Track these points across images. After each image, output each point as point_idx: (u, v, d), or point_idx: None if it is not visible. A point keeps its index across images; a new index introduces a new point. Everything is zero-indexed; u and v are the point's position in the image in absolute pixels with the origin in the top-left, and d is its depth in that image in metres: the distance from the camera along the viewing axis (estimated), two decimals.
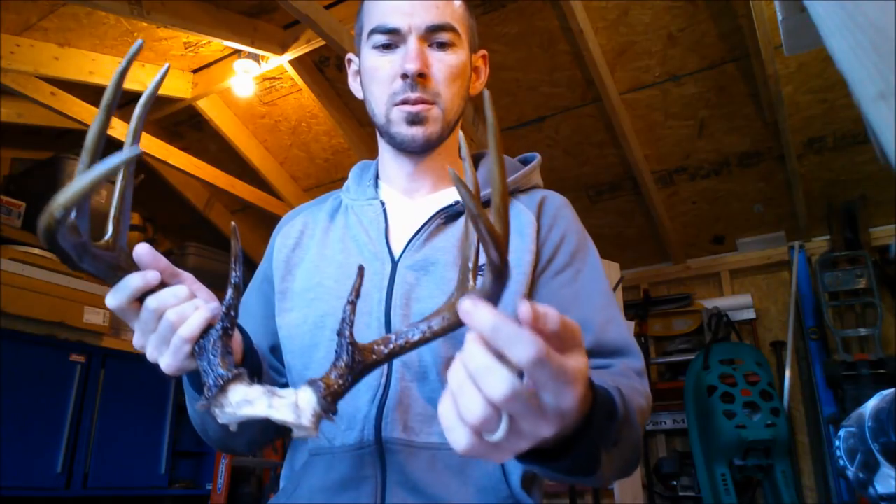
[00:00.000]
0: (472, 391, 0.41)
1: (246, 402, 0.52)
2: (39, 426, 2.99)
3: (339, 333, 0.52)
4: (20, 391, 2.91)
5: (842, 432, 0.80)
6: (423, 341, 0.50)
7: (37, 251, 3.15)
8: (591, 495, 3.16)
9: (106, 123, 0.52)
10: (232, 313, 0.58)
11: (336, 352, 0.51)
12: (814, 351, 3.15)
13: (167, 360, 0.59)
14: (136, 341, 0.61)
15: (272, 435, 0.88)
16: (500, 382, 0.39)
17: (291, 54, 2.72)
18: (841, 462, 0.79)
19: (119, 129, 3.10)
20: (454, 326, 0.50)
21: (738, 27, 2.57)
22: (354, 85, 0.92)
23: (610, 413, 0.56)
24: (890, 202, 3.18)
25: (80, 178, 0.43)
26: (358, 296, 0.52)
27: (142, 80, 2.87)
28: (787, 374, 3.24)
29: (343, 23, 2.44)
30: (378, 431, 0.73)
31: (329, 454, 0.75)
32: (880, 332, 2.98)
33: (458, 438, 0.42)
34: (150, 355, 0.60)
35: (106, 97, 0.53)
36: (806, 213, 3.28)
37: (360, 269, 0.54)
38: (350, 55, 0.93)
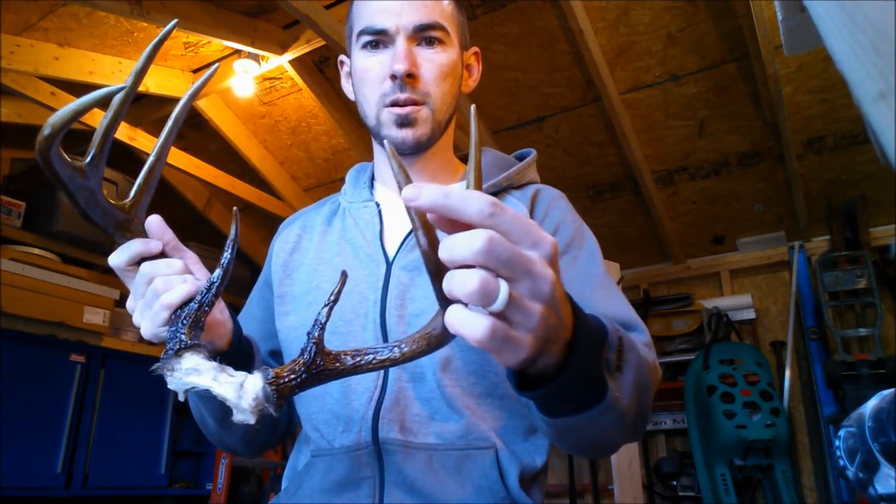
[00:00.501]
0: (461, 270, 0.40)
1: (195, 370, 0.52)
2: (39, 426, 2.99)
3: (308, 333, 0.51)
4: (20, 391, 2.92)
5: (842, 432, 0.80)
6: (391, 362, 0.49)
7: (37, 251, 3.15)
8: (590, 495, 3.16)
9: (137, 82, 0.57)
10: (213, 290, 0.59)
11: (301, 349, 0.51)
12: (814, 351, 3.15)
13: (147, 323, 0.62)
14: (129, 303, 0.65)
15: (269, 436, 0.88)
16: (475, 237, 0.39)
17: (291, 54, 2.72)
18: (841, 462, 0.79)
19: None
20: (425, 351, 0.49)
21: (738, 27, 2.57)
22: (347, 86, 0.92)
23: (601, 334, 0.55)
24: (890, 202, 3.18)
25: (73, 104, 0.47)
26: (336, 300, 0.51)
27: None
28: (787, 374, 3.24)
29: (343, 23, 2.44)
30: (375, 432, 0.73)
31: (329, 455, 0.75)
32: (880, 332, 2.98)
33: (476, 326, 0.40)
34: (135, 319, 0.64)
35: (139, 63, 0.58)
36: (806, 213, 3.28)
37: (343, 276, 0.52)
38: (342, 56, 0.93)
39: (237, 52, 2.82)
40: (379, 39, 0.81)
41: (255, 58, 2.77)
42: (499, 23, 2.68)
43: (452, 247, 0.40)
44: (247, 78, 2.85)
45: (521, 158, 0.92)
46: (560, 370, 0.49)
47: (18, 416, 2.88)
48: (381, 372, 0.75)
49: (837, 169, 3.09)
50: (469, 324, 0.41)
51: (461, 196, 0.40)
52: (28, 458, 2.90)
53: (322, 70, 3.05)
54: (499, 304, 0.40)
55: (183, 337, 0.55)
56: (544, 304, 0.42)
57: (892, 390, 0.76)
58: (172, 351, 0.54)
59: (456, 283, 0.40)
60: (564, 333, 0.47)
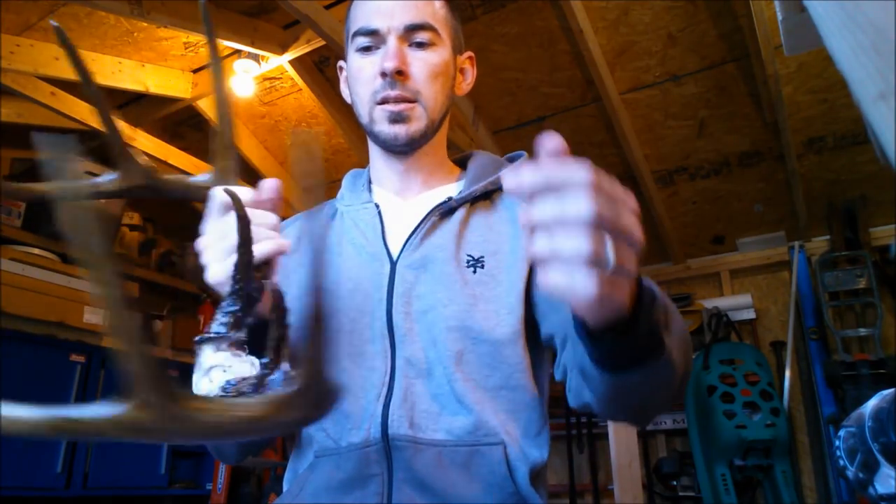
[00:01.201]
0: (567, 234, 0.41)
1: (198, 365, 0.52)
2: None
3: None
4: (20, 391, 2.92)
5: (842, 432, 0.80)
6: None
7: (37, 251, 3.15)
8: (590, 495, 3.16)
9: None
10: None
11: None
12: (814, 351, 3.15)
13: (216, 267, 0.61)
14: (202, 242, 0.65)
15: (261, 441, 0.89)
16: (583, 203, 0.40)
17: (291, 54, 2.72)
18: (841, 462, 0.79)
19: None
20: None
21: (738, 27, 2.57)
22: (345, 90, 0.94)
23: (651, 294, 0.55)
24: (890, 202, 3.18)
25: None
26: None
27: (142, 80, 2.87)
28: (787, 374, 3.24)
29: (343, 23, 2.44)
30: (384, 429, 0.73)
31: (335, 454, 0.75)
32: (880, 332, 2.98)
33: (584, 284, 0.41)
34: (205, 258, 0.63)
35: None
36: (806, 213, 3.28)
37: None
38: (341, 62, 0.96)
39: (237, 52, 2.82)
40: (371, 40, 0.84)
41: (255, 58, 2.77)
42: (499, 23, 2.68)
43: (562, 216, 0.41)
44: (247, 78, 2.85)
45: (510, 160, 0.95)
46: (632, 320, 0.50)
47: None
48: (388, 369, 0.76)
49: (837, 169, 3.09)
50: (580, 283, 0.41)
51: (562, 169, 0.42)
52: (28, 458, 2.89)
53: (322, 70, 3.05)
54: (610, 264, 0.42)
55: (217, 328, 0.53)
56: (637, 252, 0.44)
57: (892, 390, 0.76)
58: (200, 340, 0.53)
59: (569, 250, 0.41)
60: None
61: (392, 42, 0.82)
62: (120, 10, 2.31)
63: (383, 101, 0.83)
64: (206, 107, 3.24)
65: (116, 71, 2.80)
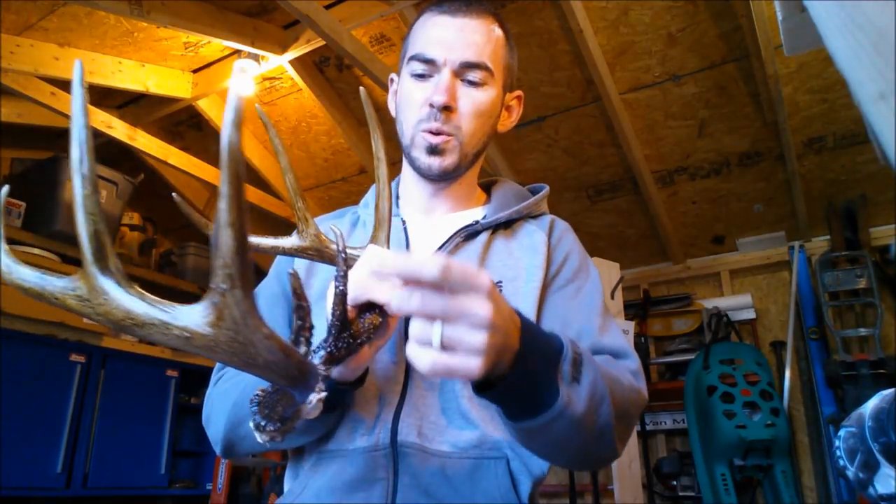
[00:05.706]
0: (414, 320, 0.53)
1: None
2: (39, 426, 2.99)
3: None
4: (20, 391, 2.92)
5: (842, 432, 0.80)
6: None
7: (37, 251, 3.15)
8: (590, 495, 3.16)
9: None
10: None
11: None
12: (814, 351, 3.15)
13: None
14: None
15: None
16: (411, 297, 0.51)
17: (291, 54, 2.72)
18: (841, 462, 0.79)
19: (119, 128, 3.10)
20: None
21: (738, 27, 2.57)
22: (392, 103, 0.97)
23: (555, 348, 0.61)
24: (890, 202, 3.18)
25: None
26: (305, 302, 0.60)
27: (142, 80, 2.87)
28: (787, 374, 3.24)
29: (343, 23, 2.44)
30: (394, 435, 0.74)
31: (341, 456, 0.76)
32: (880, 332, 2.98)
33: (422, 361, 0.52)
34: None
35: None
36: (806, 213, 3.28)
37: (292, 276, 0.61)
38: (393, 75, 0.99)
39: (237, 52, 2.82)
40: (426, 68, 0.86)
41: (255, 58, 2.77)
42: None
43: (399, 304, 0.52)
44: (247, 78, 2.85)
45: (532, 191, 0.98)
46: (499, 382, 0.57)
47: (18, 416, 2.88)
48: (402, 380, 0.78)
49: (837, 169, 3.09)
50: (417, 359, 0.52)
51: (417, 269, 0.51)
52: (28, 458, 2.90)
53: (322, 70, 3.05)
54: (435, 344, 0.51)
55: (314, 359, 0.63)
56: (488, 331, 0.51)
57: (892, 390, 0.76)
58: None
59: (410, 329, 0.53)
60: (512, 345, 0.56)
61: (445, 75, 0.84)
62: (120, 10, 2.31)
63: (426, 130, 0.86)
64: (207, 107, 3.24)
65: (116, 71, 2.80)
